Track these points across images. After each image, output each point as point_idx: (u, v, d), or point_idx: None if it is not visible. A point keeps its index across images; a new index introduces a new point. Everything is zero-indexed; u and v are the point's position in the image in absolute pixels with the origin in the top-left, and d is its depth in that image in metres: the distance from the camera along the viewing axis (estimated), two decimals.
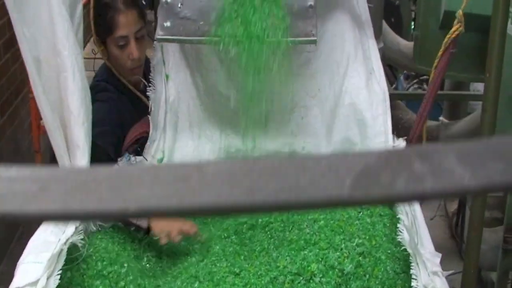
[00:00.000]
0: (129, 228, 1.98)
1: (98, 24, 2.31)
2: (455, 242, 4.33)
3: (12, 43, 4.79)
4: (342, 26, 2.20)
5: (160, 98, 2.20)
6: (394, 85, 6.44)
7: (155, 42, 2.22)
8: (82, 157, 1.90)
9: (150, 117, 2.20)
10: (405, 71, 5.94)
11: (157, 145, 2.19)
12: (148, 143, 2.20)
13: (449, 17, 3.22)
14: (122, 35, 2.29)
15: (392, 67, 5.69)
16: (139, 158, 2.15)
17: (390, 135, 2.18)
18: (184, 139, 2.18)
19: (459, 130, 4.12)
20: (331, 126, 2.17)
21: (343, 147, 2.16)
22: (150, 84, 2.25)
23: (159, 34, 1.94)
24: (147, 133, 2.21)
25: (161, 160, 2.15)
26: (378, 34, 4.14)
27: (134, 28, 2.30)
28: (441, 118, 4.66)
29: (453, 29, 2.07)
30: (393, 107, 4.20)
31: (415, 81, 5.87)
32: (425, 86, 5.52)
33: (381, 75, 2.19)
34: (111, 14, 2.30)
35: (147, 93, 2.25)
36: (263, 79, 1.98)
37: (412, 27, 7.03)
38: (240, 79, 2.03)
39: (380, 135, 2.16)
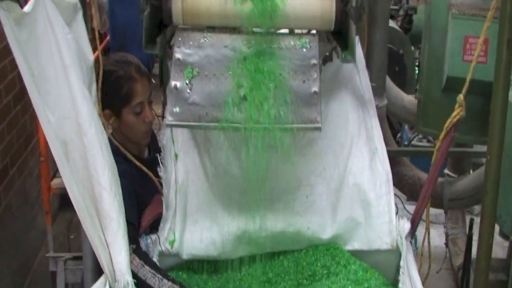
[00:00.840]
0: None
1: (112, 97, 2.37)
2: None
3: (22, 95, 4.89)
4: (345, 107, 2.26)
5: (170, 178, 2.26)
6: (399, 135, 6.50)
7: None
8: (118, 229, 1.96)
9: (163, 198, 2.25)
10: None
11: (169, 226, 2.24)
12: (161, 223, 2.25)
13: (452, 82, 3.30)
14: (139, 102, 2.39)
15: None
16: (154, 237, 2.21)
17: (394, 215, 2.22)
18: (193, 221, 2.23)
19: (463, 187, 4.16)
20: (336, 206, 2.22)
21: (348, 227, 2.21)
22: (160, 165, 2.30)
23: (168, 119, 2.00)
24: (161, 213, 2.26)
25: (172, 242, 2.20)
26: (381, 91, 4.23)
27: (147, 94, 2.43)
28: (446, 171, 4.71)
29: (454, 113, 2.14)
30: (397, 163, 4.29)
31: None
32: (430, 137, 5.58)
33: (384, 154, 2.25)
34: (128, 85, 2.40)
35: (159, 173, 2.31)
36: (269, 159, 2.03)
37: (416, 71, 7.14)
38: (246, 159, 2.08)
39: (384, 215, 2.20)
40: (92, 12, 2.78)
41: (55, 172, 4.15)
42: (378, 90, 4.20)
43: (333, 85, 2.31)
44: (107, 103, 2.34)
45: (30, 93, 1.83)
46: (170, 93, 2.03)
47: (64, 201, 5.38)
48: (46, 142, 2.09)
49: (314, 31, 2.14)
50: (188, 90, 2.03)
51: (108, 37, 5.66)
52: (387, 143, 4.22)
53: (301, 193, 2.26)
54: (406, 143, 6.26)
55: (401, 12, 7.18)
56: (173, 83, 2.04)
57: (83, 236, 2.34)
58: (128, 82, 2.39)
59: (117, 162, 2.28)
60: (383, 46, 4.10)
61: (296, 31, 2.16)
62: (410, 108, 4.40)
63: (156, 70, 6.13)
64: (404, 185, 4.30)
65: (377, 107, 4.18)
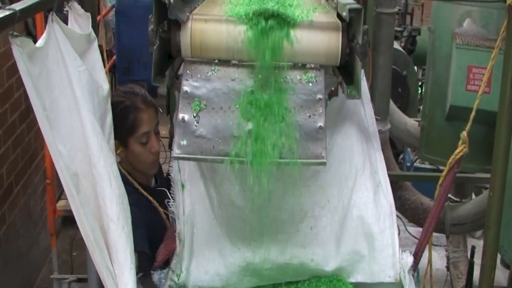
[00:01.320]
0: None
1: (119, 127, 2.38)
2: None
3: (27, 113, 4.93)
4: (350, 140, 2.29)
5: (178, 210, 2.28)
6: (401, 156, 6.52)
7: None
8: (125, 261, 1.98)
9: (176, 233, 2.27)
10: None
11: (178, 259, 2.26)
12: (173, 257, 2.27)
13: (455, 111, 3.34)
14: (145, 132, 2.42)
15: None
16: (166, 270, 2.23)
17: (397, 248, 2.24)
18: (199, 253, 2.25)
19: (465, 212, 4.18)
20: (340, 238, 2.25)
21: (351, 260, 2.23)
22: (170, 200, 2.32)
23: (176, 152, 2.02)
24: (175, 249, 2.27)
25: (179, 275, 2.21)
26: (385, 116, 4.26)
27: (153, 124, 2.46)
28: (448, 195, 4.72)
29: (458, 150, 2.16)
30: (400, 188, 4.31)
31: None
32: None
33: (388, 187, 2.27)
34: (134, 115, 2.43)
35: (169, 208, 2.32)
36: (273, 191, 2.06)
37: (419, 92, 7.17)
38: (251, 190, 2.11)
39: (387, 248, 2.22)
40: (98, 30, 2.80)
41: (60, 194, 4.18)
42: (382, 115, 4.23)
43: (339, 117, 2.34)
44: (114, 133, 2.36)
45: (41, 127, 1.86)
46: (177, 126, 2.06)
47: (67, 219, 5.41)
48: (52, 164, 2.12)
49: (320, 66, 2.16)
50: (196, 123, 2.06)
51: (114, 57, 5.70)
52: (389, 167, 4.27)
53: (305, 224, 2.28)
54: (408, 164, 6.28)
55: (405, 33, 7.22)
56: (180, 115, 2.07)
57: (88, 260, 2.36)
58: (133, 112, 2.43)
59: (127, 191, 2.30)
60: (387, 71, 4.13)
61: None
62: (413, 132, 4.42)
63: (161, 90, 6.19)
64: (406, 209, 4.32)
65: (381, 132, 4.20)
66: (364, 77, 2.34)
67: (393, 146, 5.54)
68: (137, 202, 2.33)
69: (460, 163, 2.21)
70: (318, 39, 2.11)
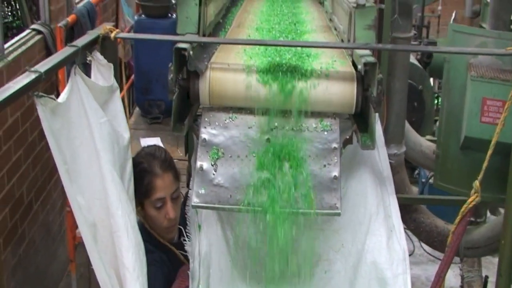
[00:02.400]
0: None
1: (136, 188, 2.39)
2: None
3: None
4: (365, 185, 2.33)
5: (194, 250, 2.32)
6: (416, 171, 6.53)
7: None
8: None
9: (189, 271, 2.31)
10: None
11: None
12: None
13: (469, 142, 3.36)
14: (159, 197, 2.41)
15: None
16: None
17: None
18: None
19: (479, 236, 4.19)
20: (353, 283, 2.28)
21: None
22: (186, 238, 2.36)
23: (194, 201, 2.08)
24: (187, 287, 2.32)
25: None
26: (400, 139, 4.28)
27: (170, 190, 2.43)
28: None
29: (470, 199, 2.20)
30: (414, 211, 4.33)
31: None
32: None
33: (401, 232, 2.31)
34: (148, 179, 2.42)
35: (185, 247, 2.37)
36: (289, 235, 2.10)
37: (436, 103, 7.17)
38: (266, 235, 2.15)
39: None
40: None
41: None
42: (397, 138, 4.26)
43: (354, 161, 2.38)
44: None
45: (62, 180, 1.92)
46: (196, 174, 2.12)
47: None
48: None
49: (335, 114, 2.21)
50: (213, 172, 2.11)
51: (132, 76, 5.77)
52: (404, 190, 4.31)
53: (319, 268, 2.32)
54: (423, 180, 6.30)
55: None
56: (198, 164, 2.13)
57: None
58: (148, 177, 2.42)
59: (149, 251, 2.29)
60: (403, 95, 4.16)
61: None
62: (428, 154, 4.43)
63: None
64: (421, 232, 4.34)
65: (396, 155, 4.26)
66: (379, 121, 2.38)
67: (408, 162, 5.57)
68: (160, 263, 2.37)
69: (472, 212, 2.24)
70: (333, 88, 2.16)
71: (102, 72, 2.16)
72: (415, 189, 7.07)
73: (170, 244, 2.52)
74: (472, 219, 4.61)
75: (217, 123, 2.19)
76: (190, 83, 2.19)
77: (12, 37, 7.54)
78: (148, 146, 2.55)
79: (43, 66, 1.80)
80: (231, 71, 2.18)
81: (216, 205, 2.08)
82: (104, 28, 2.15)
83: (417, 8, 7.35)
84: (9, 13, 7.84)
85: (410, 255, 6.14)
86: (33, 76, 1.71)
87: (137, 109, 5.86)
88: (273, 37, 2.61)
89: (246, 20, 2.98)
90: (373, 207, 2.30)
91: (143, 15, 5.65)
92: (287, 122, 2.17)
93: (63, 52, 1.93)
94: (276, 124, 2.17)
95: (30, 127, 4.71)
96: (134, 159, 2.36)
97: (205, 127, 2.18)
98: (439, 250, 4.41)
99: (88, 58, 2.10)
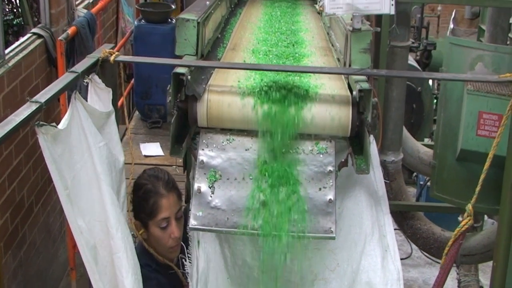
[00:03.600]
0: None
1: (140, 209, 2.45)
2: None
3: None
4: (360, 205, 2.37)
5: (193, 266, 2.35)
6: (414, 173, 6.57)
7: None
8: None
9: None
10: None
11: None
12: None
13: (465, 154, 3.40)
14: (164, 217, 2.45)
15: None
16: None
17: None
18: None
19: (476, 243, 4.23)
20: None
21: None
22: (186, 257, 2.39)
23: (192, 223, 2.12)
24: None
25: None
26: (398, 146, 4.32)
27: (174, 209, 2.47)
28: (459, 218, 4.78)
29: (463, 222, 2.23)
30: (412, 217, 4.37)
31: None
32: None
33: (396, 252, 2.35)
34: (153, 199, 2.45)
35: (185, 267, 2.40)
36: (285, 257, 2.14)
37: (434, 103, 7.20)
38: (263, 254, 2.19)
39: None
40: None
41: None
42: (395, 145, 4.30)
43: (349, 181, 2.41)
44: (136, 215, 2.42)
45: (63, 205, 1.96)
46: (194, 196, 2.15)
47: None
48: None
49: (330, 136, 2.24)
50: (211, 194, 2.15)
51: (132, 81, 5.80)
52: (401, 197, 4.35)
53: (315, 287, 2.36)
54: (421, 182, 6.33)
55: (420, 47, 7.25)
56: (196, 186, 2.16)
57: None
58: (154, 197, 2.46)
59: (147, 277, 2.32)
60: (400, 103, 4.20)
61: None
62: (425, 160, 4.47)
63: None
64: (418, 238, 4.38)
65: (394, 162, 4.30)
66: (374, 142, 2.42)
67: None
68: (158, 285, 2.42)
69: (465, 235, 2.28)
70: (329, 111, 2.19)
71: (100, 95, 2.19)
72: (412, 190, 7.12)
73: (171, 263, 2.55)
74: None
75: (214, 145, 2.22)
76: (188, 105, 2.22)
77: (13, 35, 7.58)
78: (150, 169, 2.58)
79: (44, 95, 1.83)
80: (228, 94, 2.22)
81: (214, 228, 2.11)
82: (103, 51, 2.18)
83: (417, 9, 7.37)
84: (10, 11, 7.85)
85: (407, 257, 6.21)
86: (34, 107, 1.74)
87: (137, 113, 5.90)
88: (270, 61, 2.60)
89: (243, 39, 2.97)
90: (368, 228, 2.34)
91: (143, 20, 5.67)
92: (283, 145, 2.20)
93: (63, 79, 1.97)
94: (272, 146, 2.20)
95: (31, 131, 4.75)
96: (137, 182, 2.40)
97: (203, 149, 2.22)
98: (436, 257, 4.47)
99: (85, 80, 2.13)
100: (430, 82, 7.60)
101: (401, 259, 6.10)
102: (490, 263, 4.63)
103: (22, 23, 7.49)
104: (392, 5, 2.26)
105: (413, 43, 7.13)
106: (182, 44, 2.35)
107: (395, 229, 4.76)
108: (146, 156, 5.13)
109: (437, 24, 9.09)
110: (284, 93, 2.20)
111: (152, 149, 5.14)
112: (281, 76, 2.27)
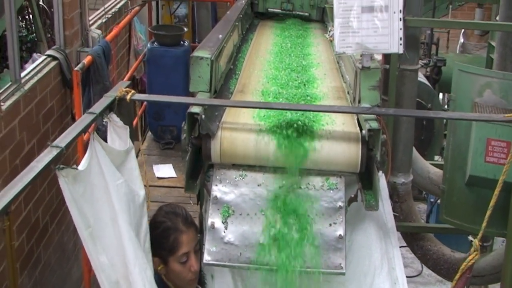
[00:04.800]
0: None
1: (159, 246, 2.48)
2: None
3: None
4: (370, 238, 2.42)
5: None
6: (424, 193, 6.60)
7: None
8: None
9: None
10: None
11: None
12: None
13: (474, 180, 3.44)
14: (185, 252, 2.47)
15: None
16: None
17: None
18: None
19: (485, 264, 4.27)
20: None
21: None
22: None
23: (206, 259, 2.19)
24: None
25: None
26: (408, 167, 4.37)
27: (193, 244, 2.49)
28: (470, 238, 4.81)
29: (469, 257, 2.28)
30: (422, 238, 4.41)
31: None
32: None
33: (404, 284, 2.40)
34: (174, 236, 2.48)
35: None
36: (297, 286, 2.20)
37: (444, 122, 7.22)
38: (275, 285, 2.24)
39: None
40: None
41: None
42: (405, 167, 4.35)
43: (358, 214, 2.47)
44: (155, 252, 2.45)
45: (84, 243, 2.03)
46: (208, 232, 2.22)
47: None
48: None
49: (340, 172, 2.30)
50: (224, 230, 2.22)
51: (145, 103, 5.88)
52: (411, 218, 4.39)
53: None
54: (432, 200, 6.36)
55: (430, 64, 7.28)
56: (210, 221, 2.23)
57: None
58: (174, 234, 2.48)
59: None
60: (410, 124, 4.25)
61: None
62: (435, 180, 4.51)
63: None
64: (428, 259, 4.42)
65: (404, 184, 4.34)
66: (383, 175, 2.47)
67: None
68: None
69: (472, 269, 2.32)
70: (339, 149, 2.25)
71: (119, 133, 2.26)
72: (423, 207, 7.15)
73: None
74: (480, 243, 4.69)
75: (227, 181, 2.29)
76: (202, 142, 2.29)
77: (26, 51, 7.69)
78: (166, 205, 2.61)
79: (64, 140, 1.90)
80: (241, 131, 2.29)
81: (227, 263, 2.18)
82: (120, 90, 2.25)
83: None
84: (24, 28, 7.97)
85: (418, 275, 6.23)
86: (54, 152, 1.82)
87: (149, 133, 5.97)
88: (279, 121, 2.36)
89: (251, 78, 2.94)
90: (377, 260, 2.39)
91: (155, 43, 5.76)
92: (294, 181, 2.26)
93: (82, 121, 2.04)
94: (283, 182, 2.26)
95: None
96: (155, 219, 2.44)
97: (216, 185, 2.28)
98: (446, 278, 4.50)
99: (104, 120, 2.20)
100: (440, 98, 7.64)
101: (412, 276, 6.16)
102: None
103: (36, 39, 7.61)
104: (401, 44, 2.31)
105: (422, 59, 7.18)
106: (196, 82, 2.42)
107: (404, 247, 4.83)
108: (159, 178, 5.18)
109: (447, 38, 9.12)
110: (295, 130, 2.26)
111: (165, 170, 5.21)
112: (293, 114, 2.33)
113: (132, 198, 2.25)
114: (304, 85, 2.80)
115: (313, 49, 3.47)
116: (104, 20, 5.99)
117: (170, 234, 2.46)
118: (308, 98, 2.63)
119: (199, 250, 2.55)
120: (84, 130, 2.04)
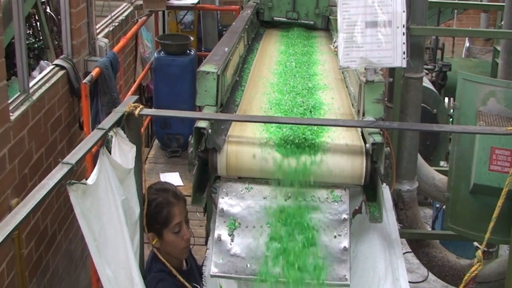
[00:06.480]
0: None
1: (154, 222, 2.62)
2: None
3: None
4: (374, 249, 2.45)
5: None
6: (429, 198, 6.62)
7: None
8: None
9: None
10: None
11: None
12: None
13: (478, 188, 3.47)
14: (177, 222, 2.64)
15: None
16: None
17: None
18: None
19: (490, 271, 4.29)
20: None
21: None
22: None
23: (213, 271, 2.22)
24: None
25: None
26: (413, 175, 4.39)
27: (184, 214, 2.69)
28: (476, 243, 4.82)
29: (473, 268, 2.30)
30: (427, 245, 4.44)
31: None
32: None
33: None
34: (167, 209, 2.64)
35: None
36: None
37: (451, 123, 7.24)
38: None
39: None
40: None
41: None
42: (410, 174, 4.38)
43: (362, 225, 2.50)
44: (150, 227, 2.60)
45: (93, 256, 2.08)
46: (215, 244, 2.26)
47: None
48: None
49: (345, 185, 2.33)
50: (230, 242, 2.25)
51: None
52: (417, 225, 4.42)
53: None
54: (437, 206, 6.38)
55: (436, 69, 7.30)
56: (216, 233, 2.27)
57: None
58: (167, 207, 2.64)
59: (164, 278, 2.56)
60: (415, 133, 4.28)
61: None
62: (440, 187, 4.54)
63: None
64: (433, 266, 4.45)
65: (409, 191, 4.37)
66: (387, 186, 2.50)
67: None
68: (173, 283, 2.60)
69: (475, 280, 2.35)
70: (343, 162, 2.29)
71: (124, 150, 2.29)
72: (428, 212, 7.17)
73: (181, 271, 2.70)
74: (485, 248, 4.71)
75: (234, 194, 2.33)
76: (208, 156, 2.33)
77: (33, 58, 7.76)
78: (155, 184, 2.78)
79: (74, 156, 1.94)
80: (247, 145, 2.32)
81: (234, 275, 2.21)
82: (129, 105, 2.29)
83: None
84: (31, 35, 8.04)
85: (424, 280, 6.23)
86: (65, 169, 1.86)
87: (156, 141, 6.03)
88: (283, 136, 2.33)
89: (253, 103, 2.82)
90: (382, 271, 2.42)
91: (162, 52, 5.82)
92: (300, 193, 2.29)
93: (92, 138, 2.08)
94: (289, 195, 2.30)
95: (54, 161, 4.87)
96: (147, 198, 2.54)
97: (223, 197, 2.32)
98: (451, 284, 4.52)
99: (110, 134, 2.23)
100: (446, 103, 7.66)
101: (418, 282, 6.16)
102: None
103: (43, 46, 7.68)
104: (404, 58, 2.35)
105: (428, 64, 7.20)
106: (203, 96, 2.46)
107: (409, 252, 4.82)
108: None
109: (453, 43, 9.14)
110: (300, 143, 2.30)
111: (172, 179, 5.25)
112: (298, 128, 2.37)
113: (130, 215, 2.33)
114: (310, 111, 2.66)
115: (319, 68, 3.35)
116: (111, 29, 6.04)
117: (163, 208, 2.61)
118: (315, 128, 2.39)
119: (188, 220, 2.72)
120: (94, 146, 2.08)
